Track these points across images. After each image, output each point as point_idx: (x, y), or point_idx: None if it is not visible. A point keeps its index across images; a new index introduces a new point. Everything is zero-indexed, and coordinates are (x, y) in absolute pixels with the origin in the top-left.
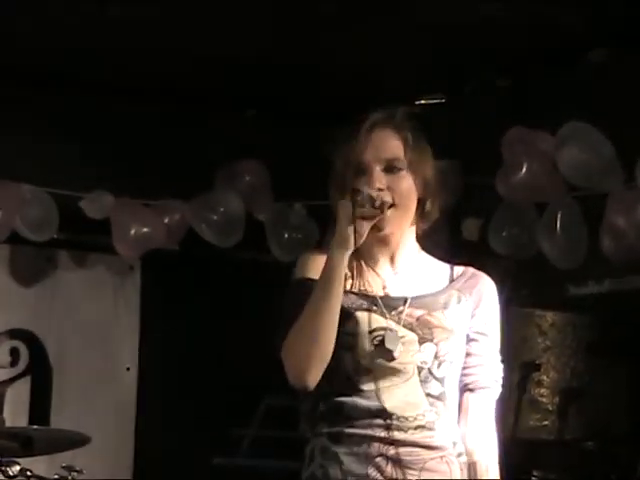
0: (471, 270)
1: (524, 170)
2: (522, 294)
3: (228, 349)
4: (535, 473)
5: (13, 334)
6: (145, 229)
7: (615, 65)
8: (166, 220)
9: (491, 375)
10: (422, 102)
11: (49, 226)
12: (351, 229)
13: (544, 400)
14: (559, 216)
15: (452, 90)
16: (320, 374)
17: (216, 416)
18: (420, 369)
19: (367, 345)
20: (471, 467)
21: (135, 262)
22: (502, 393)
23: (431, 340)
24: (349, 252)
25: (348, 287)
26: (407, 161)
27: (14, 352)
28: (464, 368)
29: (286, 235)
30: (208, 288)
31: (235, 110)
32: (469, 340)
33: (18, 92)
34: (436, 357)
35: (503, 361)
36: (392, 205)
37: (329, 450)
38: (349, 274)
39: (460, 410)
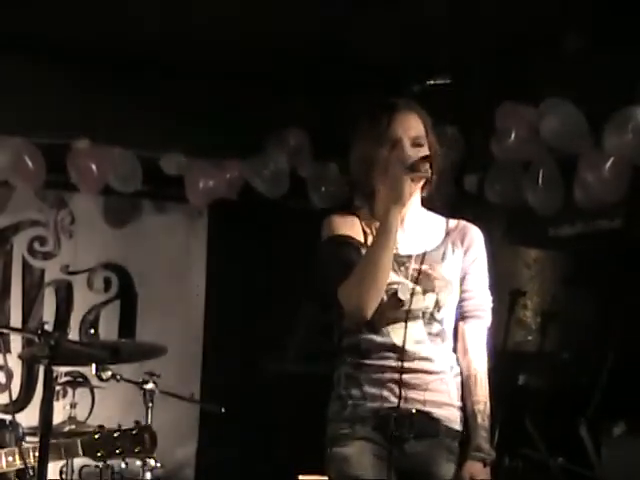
0: (462, 223)
1: (513, 136)
2: (512, 235)
3: (276, 279)
4: (521, 377)
5: (106, 266)
6: (211, 183)
7: (587, 51)
8: (227, 176)
9: (480, 305)
10: (432, 82)
11: (135, 180)
12: (405, 187)
13: (528, 320)
14: (541, 172)
15: (456, 72)
16: (374, 308)
17: (268, 329)
18: (424, 314)
19: (383, 296)
20: (469, 379)
21: (203, 209)
22: (495, 314)
23: (432, 290)
24: (403, 207)
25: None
26: (427, 140)
27: (107, 281)
28: (457, 302)
29: (323, 188)
30: (260, 229)
31: (282, 87)
32: (460, 278)
33: (109, 72)
34: (437, 304)
35: (492, 294)
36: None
37: (351, 376)
38: (374, 232)
39: (456, 337)
